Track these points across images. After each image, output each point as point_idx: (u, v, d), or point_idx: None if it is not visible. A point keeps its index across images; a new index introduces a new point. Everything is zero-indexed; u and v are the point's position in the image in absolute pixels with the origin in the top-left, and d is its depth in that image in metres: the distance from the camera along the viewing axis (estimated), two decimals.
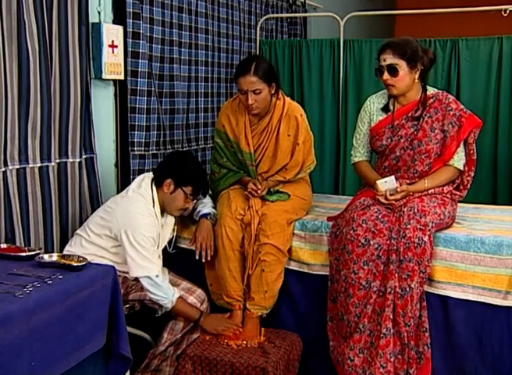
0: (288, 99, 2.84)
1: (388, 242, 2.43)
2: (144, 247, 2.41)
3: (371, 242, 2.43)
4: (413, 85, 2.60)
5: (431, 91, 2.67)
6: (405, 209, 2.47)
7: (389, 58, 2.54)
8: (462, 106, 2.64)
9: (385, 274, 2.42)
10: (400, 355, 2.41)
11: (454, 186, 2.67)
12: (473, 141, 2.63)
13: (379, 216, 2.47)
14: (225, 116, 2.86)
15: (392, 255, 2.40)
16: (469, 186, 2.70)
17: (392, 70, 2.54)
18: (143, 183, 2.56)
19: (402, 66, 2.53)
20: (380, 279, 2.42)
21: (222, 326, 2.61)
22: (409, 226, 2.40)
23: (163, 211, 2.60)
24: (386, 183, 2.53)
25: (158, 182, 2.57)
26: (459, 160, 2.63)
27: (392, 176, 2.54)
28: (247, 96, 2.64)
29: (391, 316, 2.39)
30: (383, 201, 2.52)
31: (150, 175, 2.62)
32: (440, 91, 2.69)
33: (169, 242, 2.72)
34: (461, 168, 2.64)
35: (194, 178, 2.57)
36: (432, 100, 2.63)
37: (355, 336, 2.43)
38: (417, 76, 2.58)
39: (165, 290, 2.47)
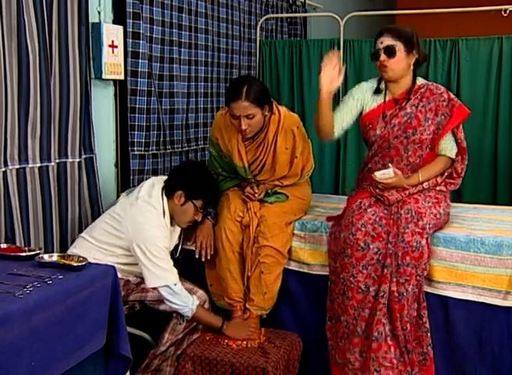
0: (283, 111, 2.76)
1: (386, 246, 2.42)
2: (158, 257, 2.38)
3: (371, 246, 2.42)
4: (407, 72, 2.59)
5: (421, 81, 2.66)
6: (402, 212, 2.46)
7: (386, 40, 2.53)
8: (453, 95, 2.63)
9: (380, 278, 2.42)
10: (402, 359, 2.40)
11: (446, 175, 2.65)
12: (458, 129, 2.61)
13: (377, 219, 2.46)
14: (218, 130, 2.81)
15: (389, 259, 2.40)
16: (463, 174, 2.69)
17: (390, 51, 2.52)
18: (153, 192, 2.51)
19: (399, 47, 2.52)
20: (378, 284, 2.42)
21: (246, 331, 2.58)
22: (407, 230, 2.40)
23: (172, 220, 2.57)
24: (384, 175, 2.51)
25: (168, 192, 2.53)
26: (451, 149, 2.62)
27: (391, 169, 2.51)
28: (240, 121, 2.56)
29: (383, 320, 2.38)
30: (377, 180, 2.50)
31: (160, 181, 2.58)
32: (429, 82, 2.68)
33: (176, 248, 2.70)
34: (453, 157, 2.63)
35: (206, 192, 2.54)
36: (423, 89, 2.61)
37: (354, 340, 2.44)
38: (412, 62, 2.57)
39: (184, 298, 2.44)
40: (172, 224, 2.58)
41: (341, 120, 2.69)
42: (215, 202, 2.68)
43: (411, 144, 2.58)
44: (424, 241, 2.39)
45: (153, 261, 2.38)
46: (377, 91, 2.68)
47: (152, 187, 2.54)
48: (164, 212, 2.48)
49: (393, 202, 2.50)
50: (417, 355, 2.42)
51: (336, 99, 4.15)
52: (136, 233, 2.39)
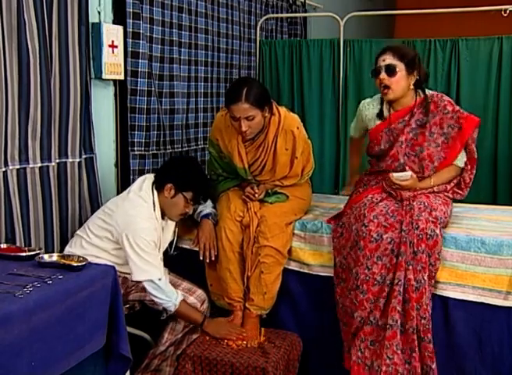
0: (283, 112, 2.75)
1: (400, 235, 2.43)
2: (145, 251, 2.40)
3: (384, 236, 2.43)
4: (408, 92, 2.62)
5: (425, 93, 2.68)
6: (414, 203, 2.49)
7: (388, 59, 2.55)
8: (458, 107, 2.66)
9: (395, 266, 2.41)
10: (415, 353, 2.37)
11: (455, 182, 2.70)
12: (472, 141, 2.64)
13: (388, 211, 2.49)
14: (218, 130, 2.81)
15: (403, 247, 2.40)
16: (470, 184, 2.71)
17: (390, 70, 2.54)
18: (144, 185, 2.54)
19: (401, 67, 2.55)
20: (393, 272, 2.41)
21: (225, 330, 2.59)
22: (421, 218, 2.42)
23: (164, 214, 2.59)
24: (401, 177, 2.56)
25: (158, 186, 2.55)
26: (461, 158, 2.67)
27: (409, 172, 2.55)
28: (240, 123, 2.57)
29: (397, 308, 2.37)
30: (393, 180, 2.54)
31: (151, 177, 2.61)
32: (434, 93, 2.70)
33: (170, 244, 2.71)
34: (462, 165, 2.67)
35: (195, 183, 2.55)
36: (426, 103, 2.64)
37: (366, 328, 2.42)
38: (412, 82, 2.59)
39: (168, 293, 2.46)
40: (163, 218, 2.59)
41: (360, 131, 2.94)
42: (205, 194, 2.69)
43: (423, 161, 2.62)
44: (438, 230, 2.41)
45: (139, 254, 2.39)
46: (380, 115, 2.72)
47: (143, 182, 2.57)
48: (154, 205, 2.50)
49: (406, 198, 2.53)
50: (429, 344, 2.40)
51: (336, 98, 4.17)
52: (126, 226, 2.41)
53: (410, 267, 2.39)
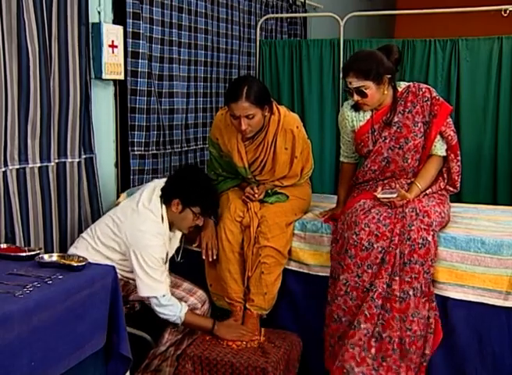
0: (283, 111, 2.75)
1: (389, 244, 2.42)
2: (152, 268, 2.38)
3: (375, 245, 2.41)
4: (385, 95, 2.59)
5: (402, 86, 2.65)
6: (407, 210, 2.46)
7: (354, 82, 2.52)
8: (435, 93, 2.63)
9: (387, 276, 2.40)
10: (386, 362, 2.38)
11: (447, 178, 2.66)
12: (445, 128, 2.61)
13: (380, 218, 2.46)
14: (218, 129, 2.80)
15: (387, 257, 2.39)
16: (460, 173, 2.68)
17: (360, 93, 2.53)
18: (153, 197, 2.49)
19: (368, 86, 2.51)
20: (383, 281, 2.41)
21: (237, 333, 2.58)
22: (413, 228, 2.40)
23: (172, 226, 2.55)
24: (386, 195, 2.53)
25: (166, 200, 2.50)
26: (441, 147, 2.63)
27: (394, 195, 2.51)
28: (240, 121, 2.56)
29: (366, 313, 2.37)
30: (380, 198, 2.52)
31: (160, 185, 2.55)
32: (411, 84, 2.66)
33: (177, 251, 2.70)
34: (444, 154, 2.63)
35: (202, 198, 2.50)
36: (405, 94, 2.62)
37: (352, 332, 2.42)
38: (386, 86, 2.56)
39: (171, 308, 2.44)
40: (171, 230, 2.56)
41: (352, 151, 2.82)
42: (214, 206, 2.66)
43: (408, 152, 2.60)
44: (430, 237, 2.39)
45: (146, 271, 2.38)
46: (355, 108, 2.68)
47: (153, 191, 2.52)
48: (162, 219, 2.47)
49: (399, 205, 2.50)
50: (419, 357, 2.40)
51: (336, 98, 4.17)
52: (135, 241, 2.39)
53: (397, 278, 2.38)
